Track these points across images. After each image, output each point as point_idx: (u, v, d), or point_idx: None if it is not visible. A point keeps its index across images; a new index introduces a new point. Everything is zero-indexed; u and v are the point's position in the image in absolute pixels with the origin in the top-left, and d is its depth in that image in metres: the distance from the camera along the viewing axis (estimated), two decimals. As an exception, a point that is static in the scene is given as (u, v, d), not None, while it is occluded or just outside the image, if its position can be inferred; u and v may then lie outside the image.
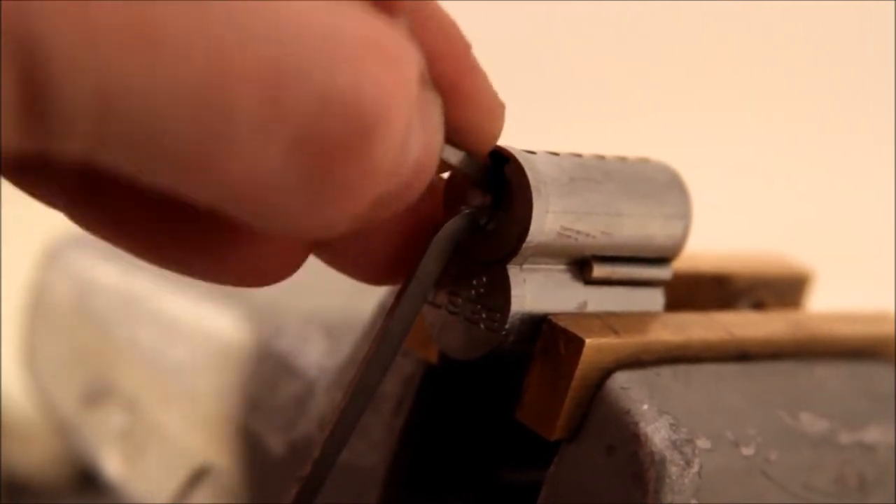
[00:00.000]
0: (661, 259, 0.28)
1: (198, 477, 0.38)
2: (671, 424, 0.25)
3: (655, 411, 0.25)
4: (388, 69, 0.19)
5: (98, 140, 0.17)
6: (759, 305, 0.34)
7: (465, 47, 0.22)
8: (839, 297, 0.36)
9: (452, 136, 0.23)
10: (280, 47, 0.18)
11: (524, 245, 0.25)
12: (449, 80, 0.22)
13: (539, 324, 0.25)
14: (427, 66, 0.21)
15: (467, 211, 0.25)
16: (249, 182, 0.19)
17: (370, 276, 0.25)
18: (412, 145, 0.20)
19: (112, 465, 0.43)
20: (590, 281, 0.26)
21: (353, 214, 0.20)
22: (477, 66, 0.23)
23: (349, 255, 0.25)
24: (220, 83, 0.17)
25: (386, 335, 0.24)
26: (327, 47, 0.18)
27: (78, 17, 0.16)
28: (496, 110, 0.23)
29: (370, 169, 0.19)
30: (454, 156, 0.23)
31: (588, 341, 0.25)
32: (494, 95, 0.23)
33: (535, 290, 0.25)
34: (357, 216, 0.20)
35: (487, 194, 0.25)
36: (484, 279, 0.26)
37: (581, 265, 0.26)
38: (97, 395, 0.45)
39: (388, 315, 0.24)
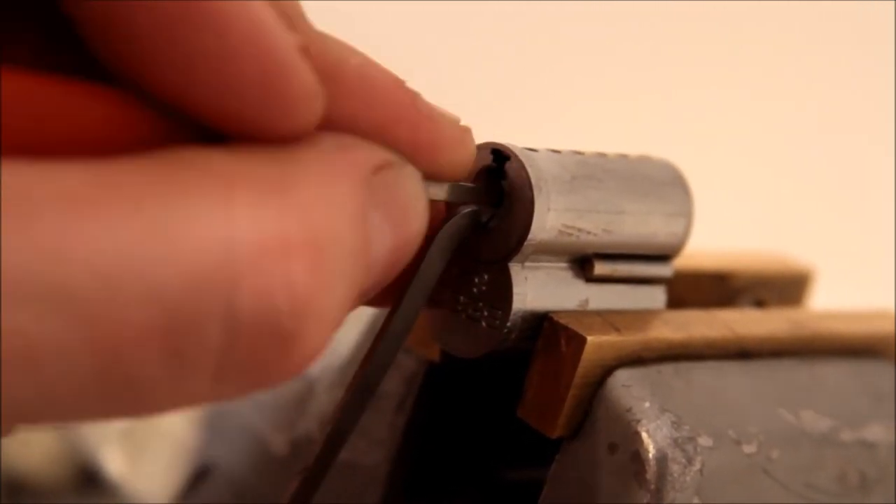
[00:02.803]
0: (663, 257, 0.28)
1: (198, 476, 0.38)
2: (673, 422, 0.25)
3: (657, 409, 0.25)
4: (296, 260, 0.18)
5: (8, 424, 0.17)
6: (760, 303, 0.34)
7: (411, 100, 0.22)
8: (840, 296, 0.36)
9: (432, 178, 0.22)
10: (171, 297, 0.16)
11: (526, 243, 0.25)
12: (408, 141, 0.21)
13: (540, 321, 0.26)
14: (382, 142, 0.21)
15: (469, 210, 0.25)
16: (180, 406, 0.18)
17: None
18: (377, 243, 0.20)
19: (113, 463, 0.43)
20: (591, 279, 0.26)
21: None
22: (429, 112, 0.22)
23: None
24: (115, 367, 0.16)
25: (388, 333, 0.24)
26: (223, 271, 0.17)
27: None
28: (463, 138, 0.23)
29: (305, 356, 0.18)
30: (440, 190, 0.23)
31: (589, 339, 0.25)
32: (455, 126, 0.22)
33: (537, 288, 0.25)
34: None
35: (489, 191, 0.25)
36: (486, 277, 0.26)
37: (582, 263, 0.26)
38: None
39: (391, 313, 0.24)
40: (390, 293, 0.24)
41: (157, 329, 0.16)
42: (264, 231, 0.17)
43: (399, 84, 0.21)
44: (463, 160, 0.23)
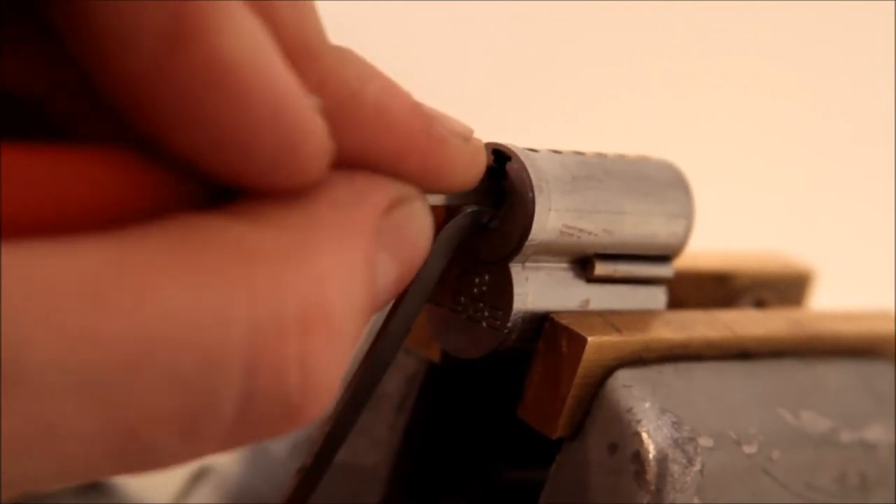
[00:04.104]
0: (663, 257, 0.28)
1: (198, 477, 0.38)
2: (673, 423, 0.25)
3: (657, 409, 0.25)
4: (312, 335, 0.18)
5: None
6: (760, 304, 0.34)
7: (425, 127, 0.21)
8: (840, 296, 0.36)
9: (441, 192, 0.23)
10: (187, 379, 0.17)
11: (526, 243, 0.25)
12: (419, 169, 0.21)
13: (541, 322, 0.25)
14: (392, 171, 0.21)
15: (470, 210, 0.25)
16: (184, 463, 0.18)
17: None
18: (381, 282, 0.20)
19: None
20: (592, 279, 0.26)
21: None
22: (441, 137, 0.22)
23: None
24: (132, 444, 0.17)
25: (388, 333, 0.24)
26: (242, 355, 0.17)
27: None
28: (473, 158, 0.23)
29: (309, 418, 0.19)
30: (438, 198, 0.23)
31: (590, 339, 0.25)
32: (466, 146, 0.22)
33: (538, 289, 0.25)
34: None
35: (490, 190, 0.25)
36: (486, 278, 0.25)
37: (583, 263, 0.26)
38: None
39: (391, 313, 0.24)
40: None
41: (174, 409, 0.17)
42: (283, 309, 0.17)
43: (415, 110, 0.21)
44: (472, 180, 0.23)
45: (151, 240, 0.17)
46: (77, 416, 0.16)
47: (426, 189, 0.22)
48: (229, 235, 0.18)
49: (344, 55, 0.20)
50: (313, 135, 0.18)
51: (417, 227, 0.21)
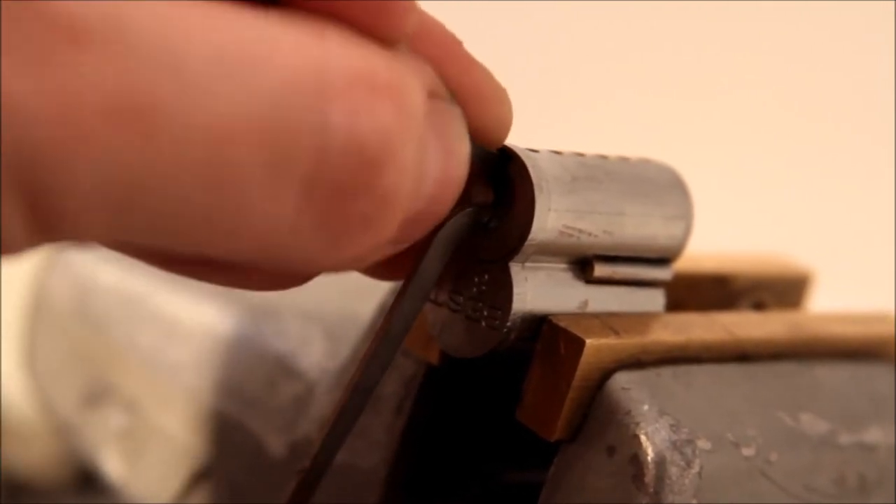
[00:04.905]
0: (662, 259, 0.28)
1: (197, 478, 0.38)
2: (671, 425, 0.25)
3: (656, 412, 0.25)
4: (382, 98, 0.19)
5: (112, 229, 0.17)
6: (759, 306, 0.34)
7: (457, 45, 0.22)
8: (839, 298, 0.36)
9: (475, 133, 0.23)
10: (270, 100, 0.18)
11: (526, 243, 0.25)
12: (458, 82, 0.22)
13: (540, 322, 0.25)
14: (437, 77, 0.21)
15: (469, 209, 0.25)
16: (269, 235, 0.19)
17: (371, 270, 0.25)
18: (429, 163, 0.20)
19: (112, 465, 0.43)
20: (591, 280, 0.26)
21: (378, 245, 0.20)
22: (473, 60, 0.23)
23: None
24: (221, 150, 0.17)
25: (387, 333, 0.24)
26: (317, 88, 0.18)
27: (64, 111, 0.16)
28: (500, 92, 0.23)
29: (384, 199, 0.19)
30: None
31: (588, 342, 0.25)
32: (495, 81, 0.23)
33: (537, 289, 0.25)
34: (385, 245, 0.20)
35: (491, 188, 0.25)
36: (486, 277, 0.25)
37: (583, 264, 0.26)
38: (97, 395, 0.44)
39: (390, 312, 0.24)
40: (399, 265, 0.24)
41: (258, 129, 0.18)
42: (354, 64, 0.19)
43: (444, 28, 0.22)
44: (506, 116, 0.23)
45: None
46: (172, 95, 0.17)
47: (466, 116, 0.22)
48: (301, 6, 0.19)
49: None
50: None
51: (457, 128, 0.22)
